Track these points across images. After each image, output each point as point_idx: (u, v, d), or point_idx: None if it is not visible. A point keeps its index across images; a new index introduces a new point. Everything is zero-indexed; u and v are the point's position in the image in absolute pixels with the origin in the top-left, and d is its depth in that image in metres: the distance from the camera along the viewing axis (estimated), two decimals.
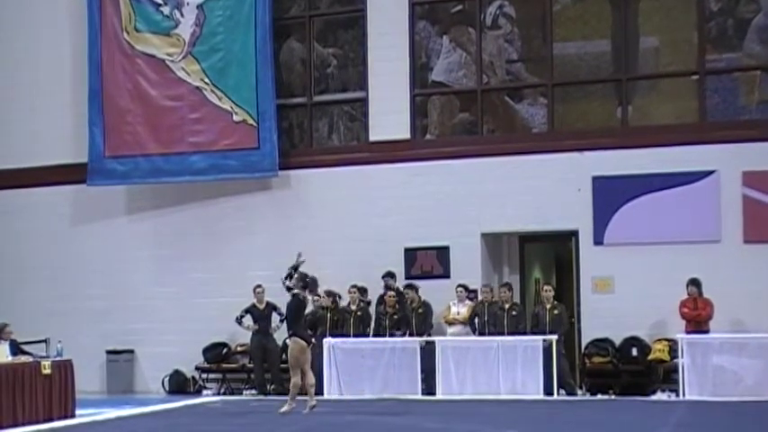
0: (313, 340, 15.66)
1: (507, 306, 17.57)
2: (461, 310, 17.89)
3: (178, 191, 20.39)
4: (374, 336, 17.92)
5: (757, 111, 17.98)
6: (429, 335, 17.79)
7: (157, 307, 20.08)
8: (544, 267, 21.47)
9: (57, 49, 21.27)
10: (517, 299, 19.53)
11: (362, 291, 18.43)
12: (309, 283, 15.11)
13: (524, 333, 17.26)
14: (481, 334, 17.46)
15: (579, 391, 17.48)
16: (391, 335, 17.76)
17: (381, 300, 18.24)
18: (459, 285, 18.03)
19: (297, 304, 15.03)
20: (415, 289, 18.14)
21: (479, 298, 17.94)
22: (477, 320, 17.67)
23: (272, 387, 18.45)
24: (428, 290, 18.16)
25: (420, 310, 17.95)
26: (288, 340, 15.51)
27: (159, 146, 20.24)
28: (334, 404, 16.35)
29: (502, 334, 17.24)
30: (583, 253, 18.39)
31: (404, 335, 17.67)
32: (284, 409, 14.73)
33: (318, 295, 17.00)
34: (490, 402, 16.20)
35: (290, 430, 13.49)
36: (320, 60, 20.18)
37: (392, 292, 18.12)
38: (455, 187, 18.88)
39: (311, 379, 15.02)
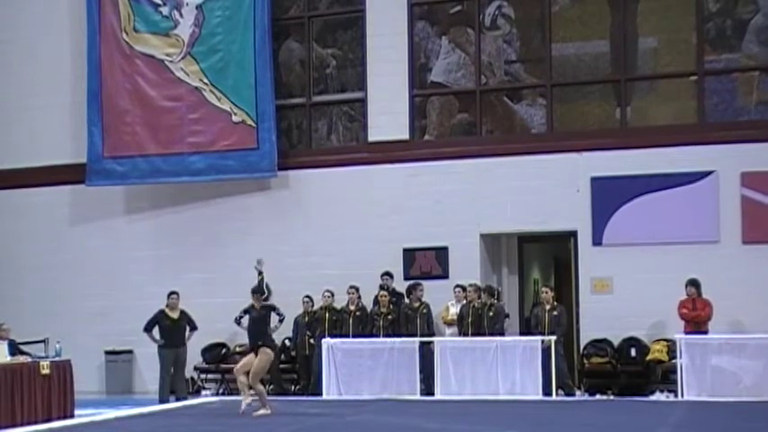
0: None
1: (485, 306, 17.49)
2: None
3: (177, 191, 20.40)
4: (369, 336, 17.89)
5: (756, 111, 18.00)
6: (433, 335, 17.78)
7: (156, 307, 19.97)
8: (543, 268, 21.48)
9: (56, 50, 21.28)
10: (516, 299, 19.54)
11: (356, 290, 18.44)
12: (269, 290, 15.07)
13: (502, 333, 17.23)
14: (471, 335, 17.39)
15: (578, 392, 17.49)
16: (386, 335, 17.77)
17: (376, 300, 18.25)
18: (458, 286, 18.02)
19: (265, 315, 15.00)
20: (422, 289, 18.08)
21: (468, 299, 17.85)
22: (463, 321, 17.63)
23: (271, 387, 18.43)
24: (427, 290, 18.15)
25: (424, 311, 17.94)
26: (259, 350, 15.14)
27: (158, 146, 20.26)
28: (333, 404, 16.36)
29: (483, 335, 17.20)
30: (582, 253, 18.40)
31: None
32: (261, 412, 14.69)
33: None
34: (489, 403, 16.19)
35: (289, 430, 13.48)
36: (319, 61, 20.19)
37: (385, 293, 18.13)
38: (454, 188, 18.90)
39: (261, 386, 15.01)
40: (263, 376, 15.18)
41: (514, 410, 15.28)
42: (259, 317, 15.09)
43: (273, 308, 15.31)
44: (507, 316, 17.99)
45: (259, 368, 14.87)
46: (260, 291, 15.14)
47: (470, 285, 17.72)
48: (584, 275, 18.35)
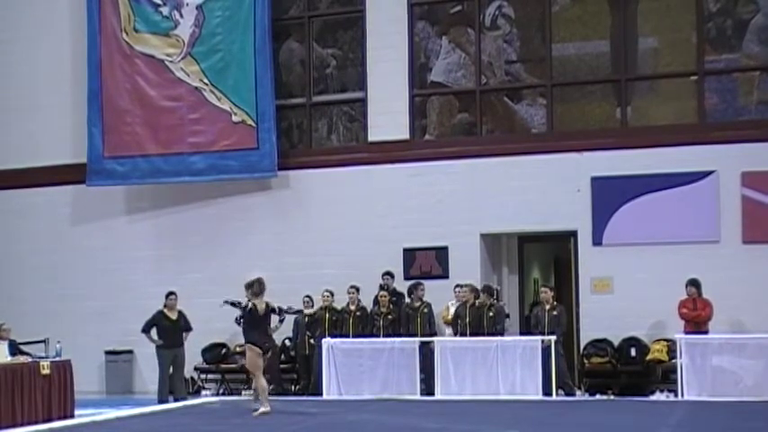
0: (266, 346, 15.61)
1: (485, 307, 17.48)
2: None
3: (177, 191, 20.40)
4: (369, 336, 17.88)
5: (756, 111, 18.01)
6: (435, 334, 17.76)
7: (156, 307, 20.02)
8: (543, 268, 21.48)
9: (56, 50, 21.29)
10: (516, 299, 19.52)
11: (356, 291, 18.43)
12: (259, 288, 15.01)
13: (502, 334, 17.22)
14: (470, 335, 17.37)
15: (578, 392, 17.49)
16: (387, 335, 17.77)
17: (377, 300, 18.24)
18: (458, 286, 18.01)
19: (245, 314, 15.00)
20: (423, 288, 18.07)
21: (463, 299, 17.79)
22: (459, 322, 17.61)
23: (272, 387, 18.40)
24: (427, 290, 18.13)
25: (425, 310, 17.93)
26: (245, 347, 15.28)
27: (158, 146, 20.26)
28: (333, 404, 16.36)
29: (482, 335, 17.19)
30: (582, 253, 18.40)
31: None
32: (262, 410, 14.69)
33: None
34: (489, 403, 16.19)
35: (290, 430, 13.49)
36: (319, 61, 20.19)
37: (384, 293, 18.12)
38: (454, 187, 18.90)
39: (262, 383, 15.05)
40: (263, 373, 15.13)
41: (514, 410, 15.28)
42: (242, 316, 15.08)
43: (273, 308, 15.22)
44: (507, 316, 17.99)
45: (249, 366, 15.07)
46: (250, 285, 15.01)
47: (465, 285, 17.70)
48: (584, 275, 18.35)
